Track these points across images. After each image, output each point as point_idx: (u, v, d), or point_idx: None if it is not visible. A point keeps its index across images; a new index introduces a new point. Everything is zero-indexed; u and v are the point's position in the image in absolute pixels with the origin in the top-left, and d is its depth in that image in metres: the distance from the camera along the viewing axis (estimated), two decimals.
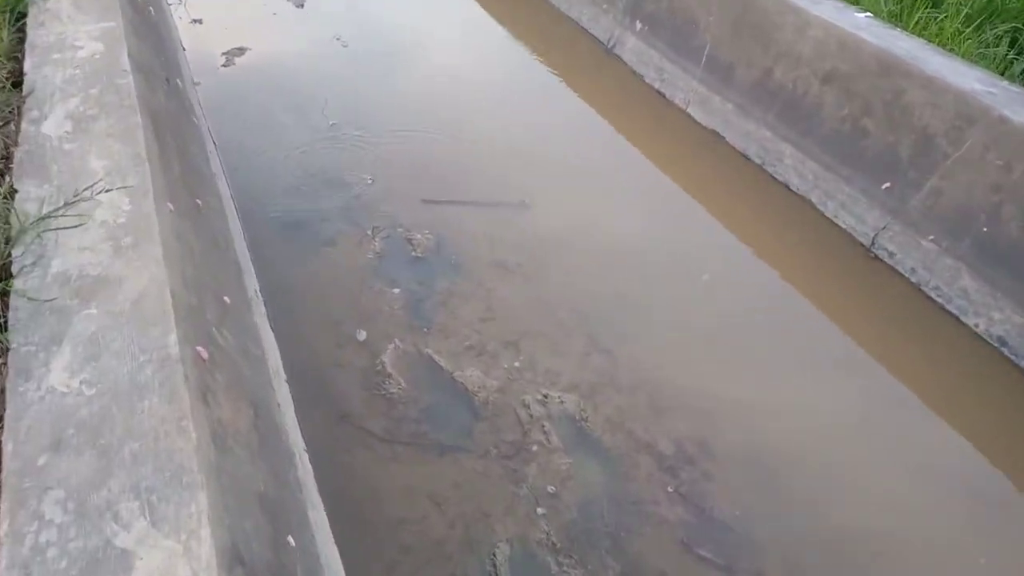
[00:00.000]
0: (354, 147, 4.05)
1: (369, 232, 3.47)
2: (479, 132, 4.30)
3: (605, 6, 5.19)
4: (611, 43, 5.10)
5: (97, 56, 2.78)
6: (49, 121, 2.42)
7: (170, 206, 2.24)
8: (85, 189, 2.04)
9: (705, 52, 4.36)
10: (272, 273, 3.11)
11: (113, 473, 1.41)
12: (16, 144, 2.33)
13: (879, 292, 3.37)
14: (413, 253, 3.37)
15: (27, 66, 2.72)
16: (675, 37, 4.59)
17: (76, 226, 1.93)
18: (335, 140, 4.10)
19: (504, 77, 4.96)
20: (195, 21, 5.23)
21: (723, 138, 4.25)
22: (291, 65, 4.78)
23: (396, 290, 3.16)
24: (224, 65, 4.73)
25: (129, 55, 2.83)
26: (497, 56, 5.23)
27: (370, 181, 3.80)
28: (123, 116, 2.45)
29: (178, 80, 3.75)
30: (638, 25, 4.88)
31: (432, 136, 4.21)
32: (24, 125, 2.41)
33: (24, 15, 3.12)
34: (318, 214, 3.57)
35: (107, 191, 2.02)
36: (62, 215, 2.00)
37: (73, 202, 2.03)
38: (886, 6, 3.99)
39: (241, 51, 4.89)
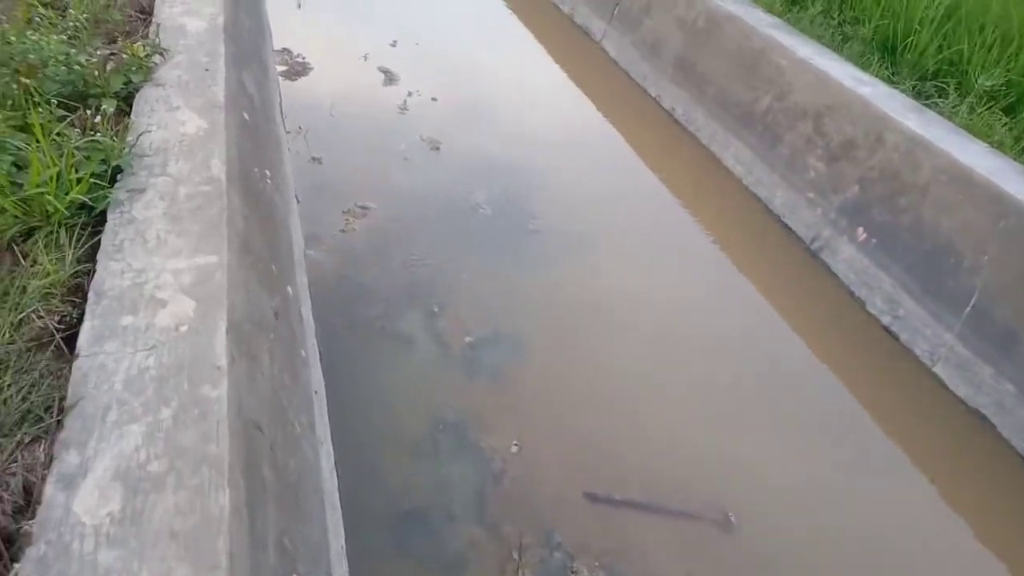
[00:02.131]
0: (497, 388, 3.12)
1: (515, 554, 2.48)
2: (659, 378, 3.32)
3: (811, 195, 4.19)
4: (816, 244, 4.08)
5: (183, 328, 1.93)
6: (87, 486, 1.54)
7: None
8: None
9: (971, 302, 3.28)
10: None
11: None
12: (29, 538, 1.44)
13: None
14: None
15: (83, 337, 1.88)
16: (921, 266, 3.53)
17: None
18: (471, 371, 3.18)
19: (687, 284, 3.99)
20: (314, 160, 4.49)
21: (993, 426, 3.13)
22: (420, 239, 3.94)
23: None
24: (342, 230, 3.93)
25: (229, 328, 1.96)
26: (672, 248, 4.27)
27: (515, 448, 2.83)
28: (202, 485, 1.55)
29: (289, 288, 2.91)
30: (860, 234, 3.85)
31: (598, 380, 3.24)
32: (49, 489, 1.53)
33: (103, 221, 2.33)
34: (445, 506, 2.62)
35: None
36: None
37: None
38: None
39: (364, 210, 4.10)
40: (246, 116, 3.35)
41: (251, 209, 2.70)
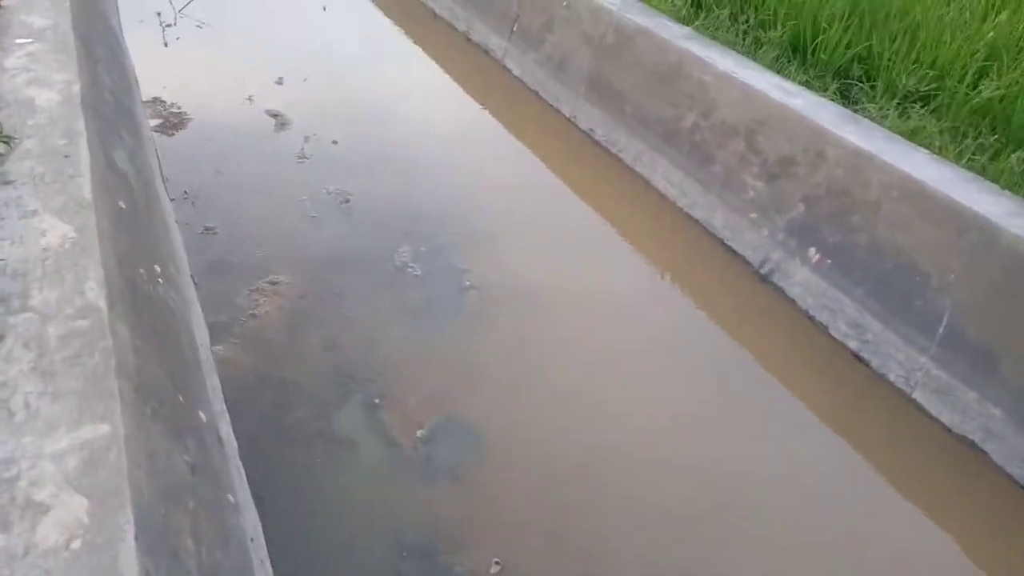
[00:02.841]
0: (462, 490, 2.75)
1: None
2: (633, 438, 3.04)
3: (753, 216, 4.02)
4: (766, 268, 3.91)
5: (76, 545, 1.49)
6: None
7: None
8: None
9: (944, 321, 3.16)
10: None
11: None
12: None
13: None
14: None
15: None
16: (884, 286, 3.40)
17: None
18: (429, 473, 2.81)
19: (643, 325, 3.73)
20: (208, 230, 3.98)
21: (985, 453, 3.01)
22: (344, 314, 3.52)
23: None
24: (252, 314, 3.45)
25: (139, 531, 1.52)
26: (618, 287, 4.00)
27: (496, 568, 2.48)
28: None
29: (201, 413, 2.44)
30: (812, 254, 3.70)
31: (572, 458, 2.93)
32: None
33: None
34: None
35: None
36: None
37: None
38: None
39: (274, 286, 3.63)
40: (122, 204, 2.84)
41: (144, 336, 2.22)
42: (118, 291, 2.22)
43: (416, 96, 5.89)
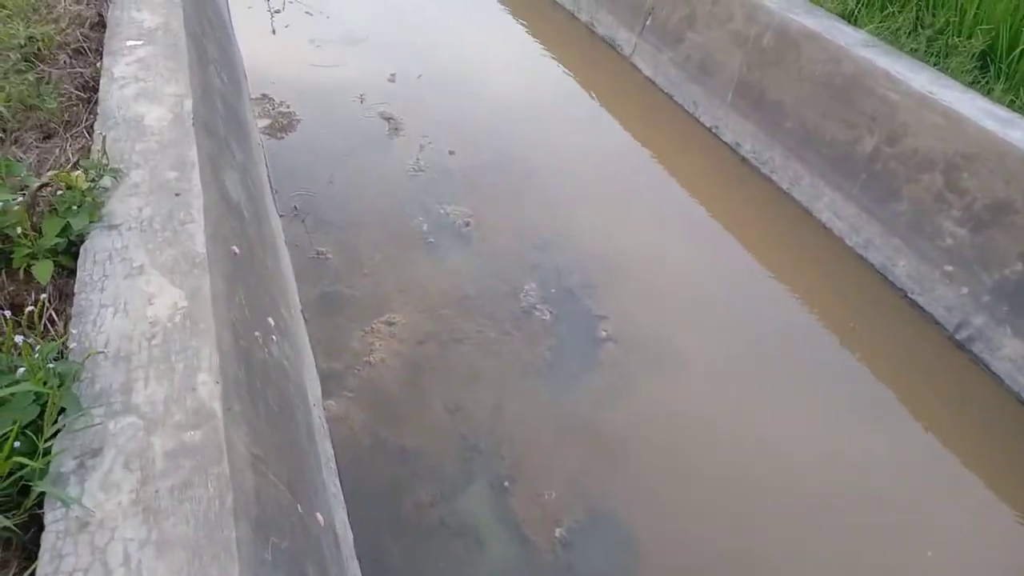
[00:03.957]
0: None
1: None
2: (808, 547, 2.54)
3: (950, 268, 3.40)
4: (962, 333, 3.31)
5: None
6: None
7: None
8: None
9: None
10: None
11: None
12: None
13: None
14: None
15: None
16: None
17: None
18: None
19: (821, 401, 3.21)
20: (319, 256, 3.66)
21: None
22: (467, 367, 3.12)
23: None
24: (367, 360, 3.10)
25: None
26: (789, 348, 3.47)
27: None
28: None
29: (319, 515, 2.09)
30: (1006, 312, 3.07)
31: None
32: None
33: (40, 507, 1.50)
34: None
35: None
36: None
37: None
38: None
39: (390, 326, 3.29)
40: (236, 249, 2.50)
41: (260, 437, 1.87)
42: (233, 379, 1.88)
43: (535, 97, 5.42)
